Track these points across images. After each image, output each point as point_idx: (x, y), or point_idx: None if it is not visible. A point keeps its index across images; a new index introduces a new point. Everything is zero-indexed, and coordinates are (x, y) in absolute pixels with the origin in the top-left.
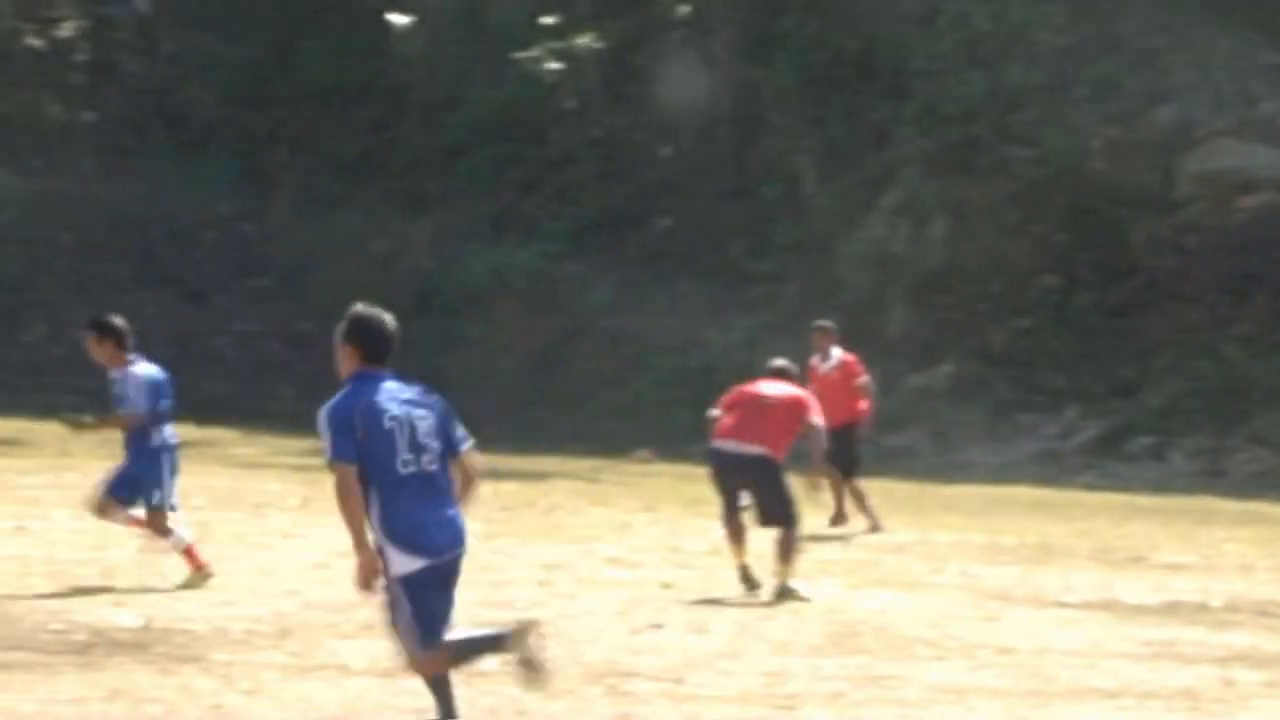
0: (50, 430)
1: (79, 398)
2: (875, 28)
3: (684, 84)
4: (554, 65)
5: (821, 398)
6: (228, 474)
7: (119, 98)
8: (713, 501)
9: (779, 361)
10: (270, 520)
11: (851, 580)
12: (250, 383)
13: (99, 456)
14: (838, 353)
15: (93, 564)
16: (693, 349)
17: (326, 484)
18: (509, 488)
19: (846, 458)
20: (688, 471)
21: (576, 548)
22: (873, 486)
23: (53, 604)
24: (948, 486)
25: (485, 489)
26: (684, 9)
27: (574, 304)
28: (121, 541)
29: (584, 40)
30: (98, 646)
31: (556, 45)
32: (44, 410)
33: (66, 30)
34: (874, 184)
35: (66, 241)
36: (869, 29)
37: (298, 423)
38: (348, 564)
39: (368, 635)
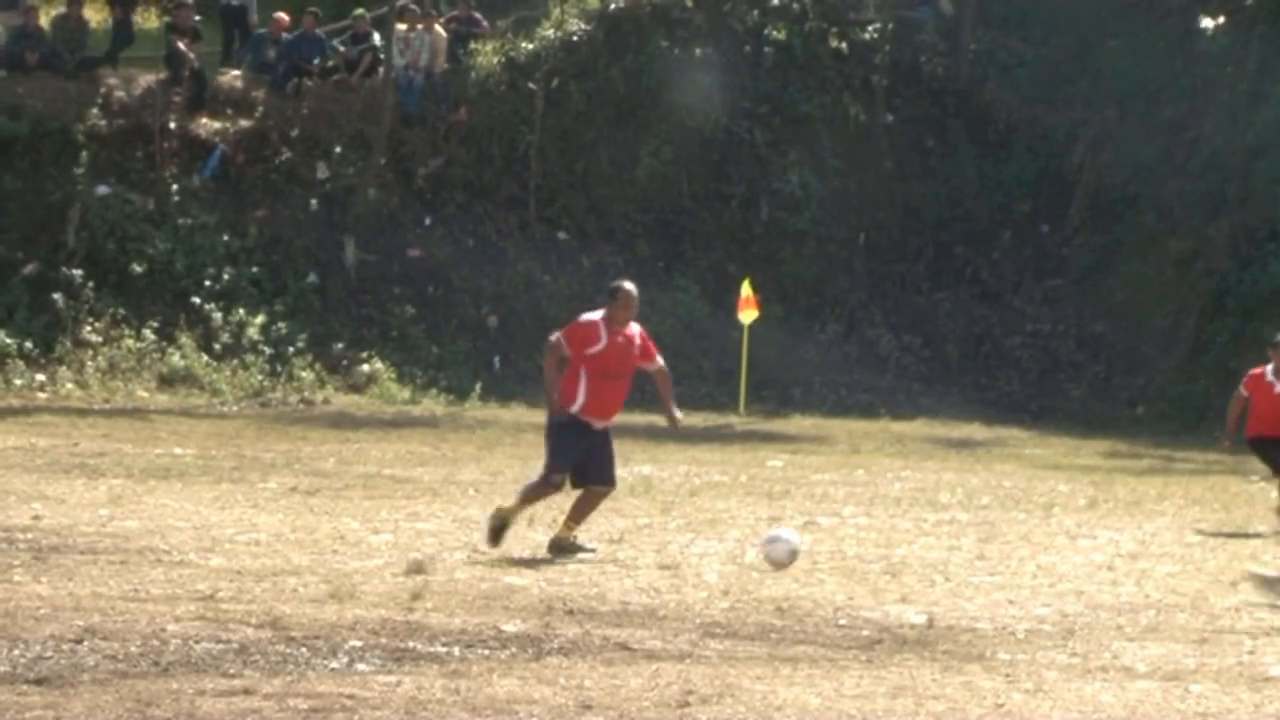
0: (842, 427)
1: (870, 395)
2: None
3: None
4: None
5: (1268, 410)
6: (1017, 474)
7: (920, 99)
8: None
9: None
10: (1057, 520)
11: None
12: (1042, 383)
13: (887, 454)
14: None
15: (879, 560)
16: None
17: (1114, 486)
18: None
19: None
20: None
21: None
22: None
23: (839, 599)
24: None
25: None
26: None
27: None
28: (909, 539)
29: None
30: (883, 643)
31: None
32: (836, 408)
33: (869, 33)
34: None
35: (864, 241)
36: None
37: (1090, 424)
38: (1134, 566)
39: (1153, 638)
